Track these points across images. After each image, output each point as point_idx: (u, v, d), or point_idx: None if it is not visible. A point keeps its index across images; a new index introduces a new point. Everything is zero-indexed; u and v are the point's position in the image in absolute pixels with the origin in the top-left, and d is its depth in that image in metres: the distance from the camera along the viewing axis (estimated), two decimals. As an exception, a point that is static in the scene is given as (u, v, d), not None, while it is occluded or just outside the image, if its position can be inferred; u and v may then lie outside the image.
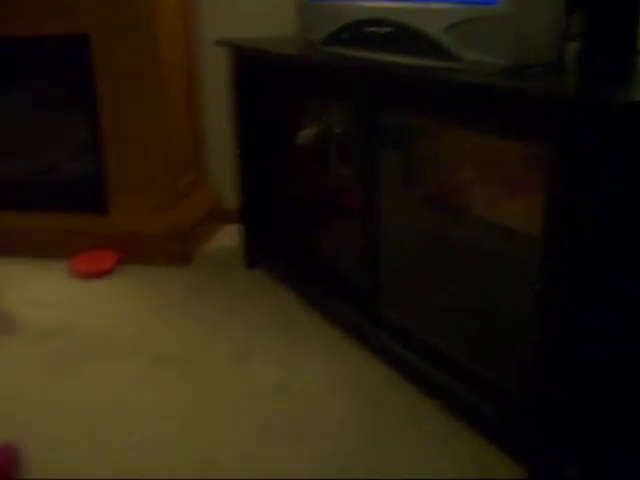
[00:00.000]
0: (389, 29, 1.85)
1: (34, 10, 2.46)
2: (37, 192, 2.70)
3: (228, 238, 2.74)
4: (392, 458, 1.64)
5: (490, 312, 1.80)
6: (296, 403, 1.83)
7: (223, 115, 2.68)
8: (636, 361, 1.48)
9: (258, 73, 2.35)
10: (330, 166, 2.28)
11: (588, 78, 1.52)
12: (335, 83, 2.02)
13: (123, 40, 2.43)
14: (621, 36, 1.62)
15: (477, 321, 1.83)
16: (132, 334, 2.17)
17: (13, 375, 2.00)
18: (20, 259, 2.61)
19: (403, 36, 1.80)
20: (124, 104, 2.50)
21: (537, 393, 1.52)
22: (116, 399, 1.88)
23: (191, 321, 2.22)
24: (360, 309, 2.04)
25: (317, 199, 2.37)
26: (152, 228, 2.55)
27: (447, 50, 1.66)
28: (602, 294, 1.38)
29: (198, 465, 1.64)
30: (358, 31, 1.98)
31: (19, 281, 2.47)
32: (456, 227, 2.01)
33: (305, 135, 2.23)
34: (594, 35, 1.62)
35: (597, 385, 1.44)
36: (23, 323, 2.25)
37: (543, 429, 1.51)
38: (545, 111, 1.37)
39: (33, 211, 2.67)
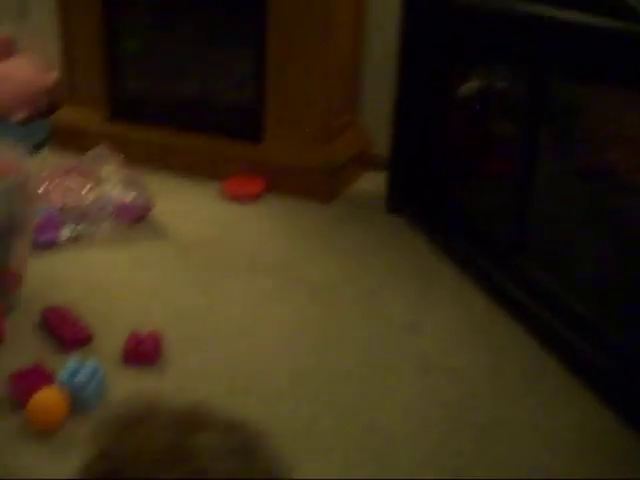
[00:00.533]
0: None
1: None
2: (201, 115, 2.82)
3: (372, 183, 2.77)
4: (506, 411, 1.65)
5: (635, 284, 1.76)
6: (424, 342, 1.87)
7: (386, 58, 2.68)
8: None
9: (430, 19, 2.34)
10: (488, 123, 2.27)
11: None
12: (508, 37, 2.00)
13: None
14: None
15: (620, 290, 1.80)
16: (273, 257, 2.26)
17: (160, 277, 2.14)
18: (175, 175, 2.74)
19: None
20: (292, 39, 2.56)
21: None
22: (251, 313, 1.98)
23: (331, 253, 2.29)
24: (499, 264, 2.04)
25: (469, 154, 2.36)
26: (303, 161, 2.62)
27: (632, 9, 1.61)
28: None
29: (318, 387, 1.71)
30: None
31: (172, 194, 2.60)
32: (613, 200, 1.97)
33: (468, 88, 2.23)
34: None
35: None
36: (172, 232, 2.38)
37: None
38: None
39: (195, 132, 2.79)
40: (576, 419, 1.63)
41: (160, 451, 0.64)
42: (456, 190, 2.37)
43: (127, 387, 1.69)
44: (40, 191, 2.31)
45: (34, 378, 1.64)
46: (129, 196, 2.36)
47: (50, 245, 2.23)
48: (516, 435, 1.59)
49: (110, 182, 2.38)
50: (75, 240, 2.28)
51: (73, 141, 2.85)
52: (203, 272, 2.16)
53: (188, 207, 2.55)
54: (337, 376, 1.75)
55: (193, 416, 0.68)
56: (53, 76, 3.16)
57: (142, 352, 1.74)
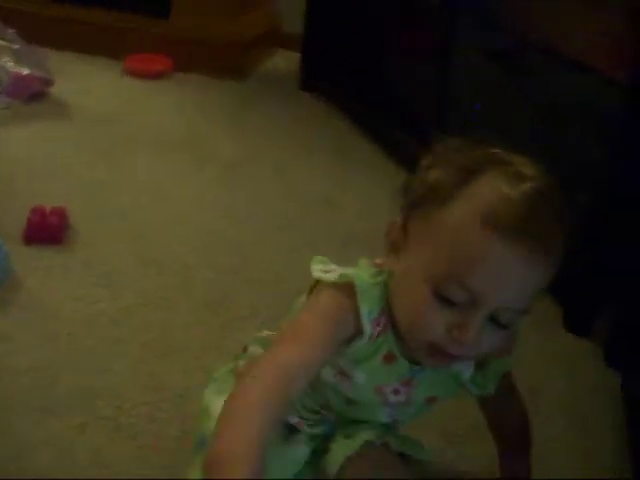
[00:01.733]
0: None
1: None
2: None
3: (285, 62, 2.69)
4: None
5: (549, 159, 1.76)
6: (343, 216, 1.85)
7: None
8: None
9: None
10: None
11: None
12: None
13: None
14: None
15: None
16: (181, 133, 2.17)
17: (63, 154, 2.02)
18: (75, 53, 2.57)
19: None
20: None
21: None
22: (159, 187, 1.91)
23: (242, 131, 2.22)
24: (418, 138, 2.01)
25: (389, 26, 2.29)
26: (211, 36, 2.50)
27: None
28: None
29: (231, 258, 1.67)
30: None
31: (72, 72, 2.45)
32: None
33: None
34: None
35: None
36: (75, 109, 2.25)
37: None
38: None
39: (96, 6, 2.61)
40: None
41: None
42: (374, 64, 2.31)
43: (32, 265, 1.60)
44: None
45: None
46: (25, 69, 2.20)
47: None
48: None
49: (3, 55, 2.20)
50: (-34, 117, 2.12)
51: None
52: (107, 148, 2.05)
53: (89, 85, 2.41)
54: (252, 248, 1.71)
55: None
56: None
57: (46, 227, 1.65)
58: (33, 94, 2.23)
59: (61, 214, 1.68)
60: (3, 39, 2.23)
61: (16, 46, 2.23)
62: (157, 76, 2.48)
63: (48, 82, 2.25)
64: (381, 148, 2.13)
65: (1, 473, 1.16)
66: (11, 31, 2.25)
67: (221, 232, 1.75)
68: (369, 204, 1.89)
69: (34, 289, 1.55)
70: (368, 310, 0.86)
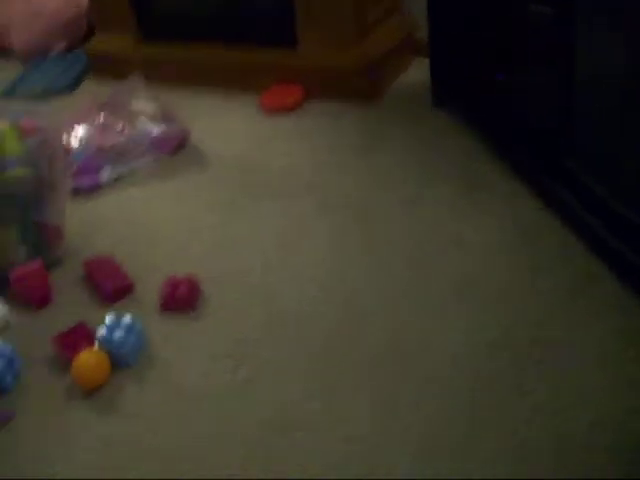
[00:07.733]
0: None
1: None
2: (229, 25, 2.69)
3: (420, 72, 2.59)
4: (552, 326, 1.58)
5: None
6: (468, 258, 1.79)
7: None
8: None
9: None
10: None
11: None
12: None
13: None
14: None
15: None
16: (309, 174, 2.19)
17: (199, 209, 2.12)
18: (213, 93, 2.66)
19: None
20: None
21: None
22: (287, 241, 1.94)
23: (371, 163, 2.19)
24: (547, 163, 1.89)
25: (513, 37, 2.15)
26: (341, 61, 2.48)
27: None
28: None
29: (371, 309, 1.69)
30: None
31: (210, 114, 2.54)
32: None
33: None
34: None
35: None
36: (211, 158, 2.33)
37: None
38: None
39: (224, 44, 2.68)
40: (621, 325, 1.54)
41: None
42: (498, 80, 2.18)
43: (165, 335, 1.70)
44: (77, 134, 2.31)
45: (77, 338, 1.68)
46: (163, 128, 2.32)
47: (92, 189, 2.23)
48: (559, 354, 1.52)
49: (142, 116, 2.33)
50: (116, 180, 2.27)
51: (109, 68, 2.81)
52: (242, 198, 2.12)
53: (227, 126, 2.49)
54: (385, 297, 1.72)
55: None
56: (84, 2, 3.08)
57: (178, 298, 1.74)
58: (173, 148, 2.35)
59: (192, 284, 1.77)
60: (141, 100, 2.36)
61: (152, 105, 2.35)
62: (291, 109, 2.51)
63: (185, 135, 2.36)
64: (510, 171, 2.03)
65: None
66: (147, 90, 2.37)
67: (356, 290, 1.75)
68: (493, 245, 1.82)
69: (167, 362, 1.64)
70: None
